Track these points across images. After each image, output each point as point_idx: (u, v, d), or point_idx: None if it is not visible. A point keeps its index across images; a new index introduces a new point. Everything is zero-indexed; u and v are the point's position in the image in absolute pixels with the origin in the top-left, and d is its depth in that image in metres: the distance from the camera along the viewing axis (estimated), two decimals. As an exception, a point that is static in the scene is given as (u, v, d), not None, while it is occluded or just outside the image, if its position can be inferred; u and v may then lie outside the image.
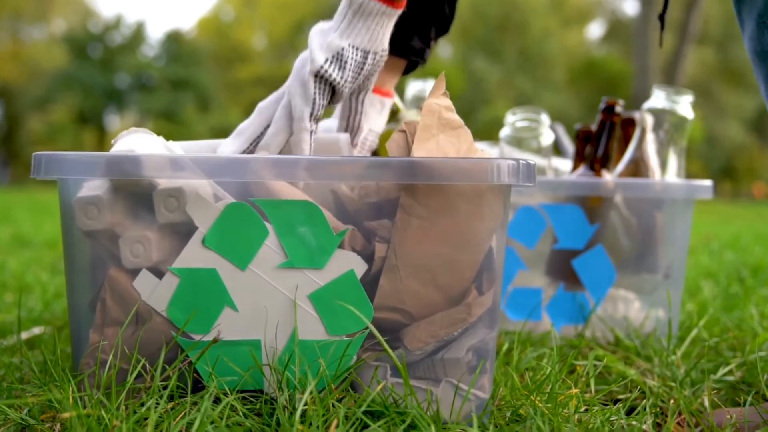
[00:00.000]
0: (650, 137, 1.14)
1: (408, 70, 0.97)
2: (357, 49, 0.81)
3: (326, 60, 0.79)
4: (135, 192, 0.71)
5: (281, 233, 0.70)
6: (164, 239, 0.71)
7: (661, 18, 0.91)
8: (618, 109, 1.13)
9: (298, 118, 0.79)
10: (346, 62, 0.80)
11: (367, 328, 0.70)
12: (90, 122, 20.43)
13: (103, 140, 20.56)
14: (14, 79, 19.02)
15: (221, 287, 0.70)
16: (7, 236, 3.00)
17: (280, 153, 0.82)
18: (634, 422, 0.71)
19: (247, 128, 0.83)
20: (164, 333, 0.70)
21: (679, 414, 0.76)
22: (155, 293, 0.70)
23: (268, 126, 0.83)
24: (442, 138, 0.71)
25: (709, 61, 20.33)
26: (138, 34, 21.75)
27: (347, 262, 0.70)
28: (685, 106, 1.14)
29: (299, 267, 0.70)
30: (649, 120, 1.14)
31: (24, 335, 1.08)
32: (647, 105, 1.15)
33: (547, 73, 21.17)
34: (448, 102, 0.71)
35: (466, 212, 0.69)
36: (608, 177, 1.12)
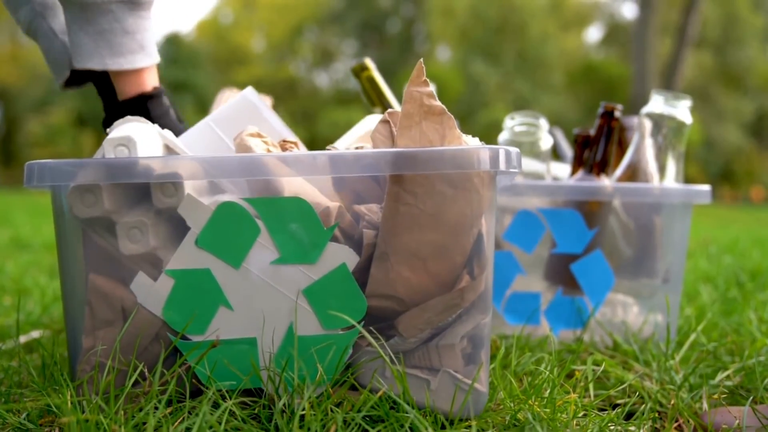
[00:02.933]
0: (649, 142, 1.14)
1: None
2: None
3: None
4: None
5: (273, 230, 0.70)
6: (161, 225, 0.72)
7: None
8: (616, 113, 1.13)
9: None
10: None
11: (361, 321, 0.71)
12: (89, 125, 20.40)
13: (101, 143, 20.53)
14: (13, 82, 19.03)
15: (216, 287, 0.70)
16: (5, 239, 3.00)
17: None
18: (632, 427, 0.71)
19: None
20: (153, 325, 0.71)
21: (678, 419, 0.76)
22: (151, 295, 0.70)
23: None
24: (425, 125, 0.71)
25: (708, 64, 20.36)
26: (137, 37, 21.74)
27: (339, 256, 0.71)
28: (683, 110, 1.14)
29: (292, 263, 0.70)
30: (648, 125, 1.14)
31: (22, 339, 1.08)
32: (646, 110, 1.15)
33: (546, 76, 21.20)
34: (428, 89, 0.72)
35: (452, 198, 0.70)
36: (607, 181, 1.12)
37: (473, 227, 0.71)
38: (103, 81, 0.97)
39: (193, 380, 0.72)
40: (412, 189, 0.70)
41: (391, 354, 0.70)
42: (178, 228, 0.70)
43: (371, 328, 0.72)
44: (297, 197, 0.70)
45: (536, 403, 0.72)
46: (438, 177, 0.69)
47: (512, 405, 0.73)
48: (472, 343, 0.72)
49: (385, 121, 0.74)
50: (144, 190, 0.71)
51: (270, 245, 0.70)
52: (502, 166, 0.69)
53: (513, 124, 1.21)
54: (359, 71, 1.13)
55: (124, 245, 0.70)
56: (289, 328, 0.71)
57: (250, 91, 0.90)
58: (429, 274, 0.71)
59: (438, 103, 0.71)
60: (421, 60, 0.74)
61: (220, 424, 0.63)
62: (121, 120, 0.77)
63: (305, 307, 0.71)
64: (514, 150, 0.70)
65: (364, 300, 0.71)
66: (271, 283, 0.71)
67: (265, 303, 0.71)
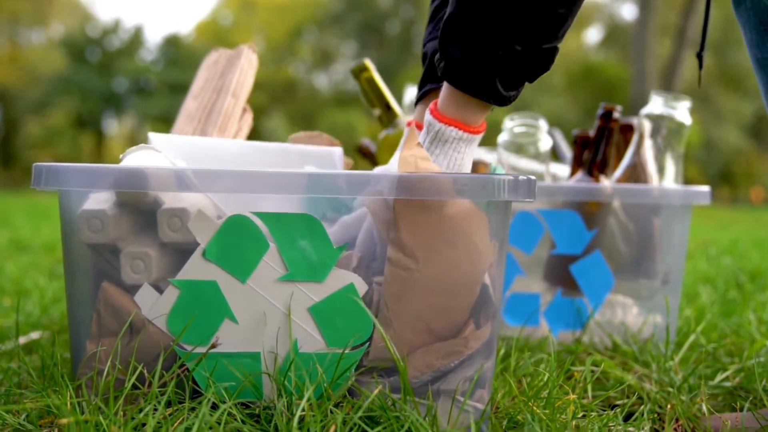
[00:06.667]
0: (648, 143, 1.14)
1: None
2: None
3: None
4: (139, 209, 0.71)
5: (282, 246, 0.70)
6: (165, 257, 0.71)
7: (699, 56, 0.91)
8: (616, 114, 1.13)
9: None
10: None
11: (366, 341, 0.70)
12: (88, 126, 20.41)
13: (101, 144, 20.54)
14: (12, 83, 19.02)
15: (221, 299, 0.70)
16: (5, 240, 3.00)
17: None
18: (631, 428, 0.71)
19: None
20: (161, 341, 0.70)
21: (677, 420, 0.76)
22: (155, 308, 0.70)
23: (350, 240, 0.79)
24: None
25: (707, 66, 20.32)
26: (136, 39, 21.77)
27: (347, 276, 0.70)
28: (682, 112, 1.14)
29: (299, 280, 0.70)
30: (647, 126, 1.14)
31: (22, 340, 1.08)
32: (645, 111, 1.15)
33: (545, 77, 21.12)
34: (422, 152, 0.72)
35: (454, 260, 0.70)
36: (606, 182, 1.12)
37: (476, 284, 0.71)
38: None
39: (192, 383, 0.72)
40: (413, 254, 0.70)
41: (392, 397, 0.69)
42: (183, 261, 0.70)
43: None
44: (306, 214, 0.69)
45: (535, 403, 0.72)
46: (440, 240, 0.70)
47: (512, 406, 0.73)
48: (473, 382, 0.72)
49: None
50: (150, 220, 0.71)
51: (278, 261, 0.70)
52: (519, 196, 0.70)
53: (512, 125, 1.21)
54: (359, 72, 1.13)
55: (127, 275, 0.70)
56: (293, 344, 0.71)
57: (338, 150, 0.95)
58: (432, 334, 0.71)
59: (433, 165, 0.72)
60: (414, 125, 0.75)
61: (219, 424, 0.63)
62: (134, 147, 0.77)
63: (310, 324, 0.71)
64: (532, 178, 0.71)
65: (369, 319, 0.71)
66: (277, 299, 0.70)
67: (270, 318, 0.71)
